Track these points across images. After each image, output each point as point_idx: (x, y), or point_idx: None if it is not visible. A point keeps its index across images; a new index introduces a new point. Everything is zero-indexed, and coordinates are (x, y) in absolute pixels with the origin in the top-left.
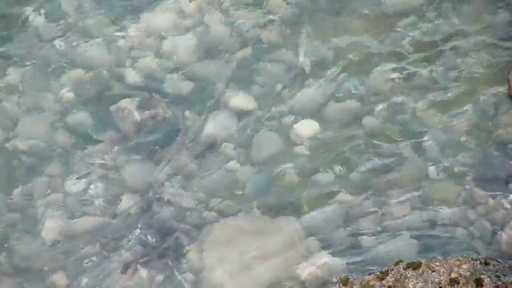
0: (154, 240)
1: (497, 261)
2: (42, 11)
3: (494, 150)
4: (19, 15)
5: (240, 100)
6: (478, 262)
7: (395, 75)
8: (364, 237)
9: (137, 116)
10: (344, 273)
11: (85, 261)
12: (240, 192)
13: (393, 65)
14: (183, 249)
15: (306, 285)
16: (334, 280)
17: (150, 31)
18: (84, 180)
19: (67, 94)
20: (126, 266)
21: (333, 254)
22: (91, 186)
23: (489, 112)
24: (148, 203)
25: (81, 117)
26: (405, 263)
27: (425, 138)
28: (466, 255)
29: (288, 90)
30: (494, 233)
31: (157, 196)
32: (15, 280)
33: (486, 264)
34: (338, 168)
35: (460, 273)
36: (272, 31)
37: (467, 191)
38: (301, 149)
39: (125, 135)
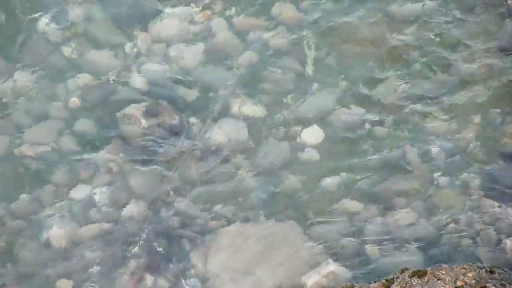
0: (159, 247)
1: (503, 269)
2: (50, 17)
3: (500, 159)
4: (27, 21)
5: (247, 107)
6: (484, 270)
7: (401, 82)
8: (369, 244)
9: (143, 122)
10: (349, 281)
11: (91, 268)
12: (246, 200)
13: (400, 73)
14: (188, 256)
15: None
16: None
17: (157, 38)
18: (90, 186)
19: (74, 100)
20: (131, 273)
21: (339, 262)
22: (97, 193)
23: (495, 121)
24: (154, 210)
25: (87, 123)
26: (410, 271)
27: (432, 146)
28: (471, 264)
29: (295, 97)
30: (499, 241)
31: (163, 203)
32: (20, 286)
33: (492, 272)
34: (344, 176)
35: (466, 282)
36: (278, 38)
37: (473, 200)
38: (307, 156)
39: (131, 142)
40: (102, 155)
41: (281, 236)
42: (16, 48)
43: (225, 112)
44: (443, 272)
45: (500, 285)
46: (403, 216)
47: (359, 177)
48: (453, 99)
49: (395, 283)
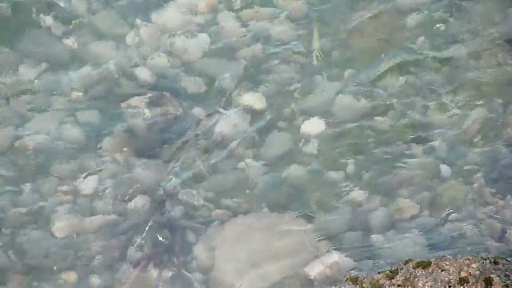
0: (164, 238)
1: (507, 260)
2: (53, 9)
3: (503, 150)
4: (30, 13)
5: (251, 98)
6: (488, 261)
7: (405, 73)
8: (373, 236)
9: (147, 113)
10: (353, 272)
11: (95, 259)
12: (250, 191)
13: (404, 64)
14: (193, 247)
15: (315, 283)
16: (344, 279)
17: (161, 29)
18: (94, 178)
19: (77, 92)
20: (135, 264)
21: (343, 253)
22: (101, 184)
23: (498, 112)
24: (158, 202)
25: (91, 115)
26: (414, 262)
27: (435, 137)
28: (475, 254)
29: (299, 89)
30: (503, 232)
31: (167, 194)
32: (25, 278)
33: (496, 263)
34: (347, 167)
35: (470, 272)
36: (283, 29)
37: (476, 190)
38: (311, 148)
39: (135, 133)
40: (106, 147)
41: (285, 227)
42: (19, 40)
43: (228, 103)
44: (447, 263)
45: (504, 276)
46: (406, 206)
47: (362, 168)
48: (456, 90)
49: (399, 274)
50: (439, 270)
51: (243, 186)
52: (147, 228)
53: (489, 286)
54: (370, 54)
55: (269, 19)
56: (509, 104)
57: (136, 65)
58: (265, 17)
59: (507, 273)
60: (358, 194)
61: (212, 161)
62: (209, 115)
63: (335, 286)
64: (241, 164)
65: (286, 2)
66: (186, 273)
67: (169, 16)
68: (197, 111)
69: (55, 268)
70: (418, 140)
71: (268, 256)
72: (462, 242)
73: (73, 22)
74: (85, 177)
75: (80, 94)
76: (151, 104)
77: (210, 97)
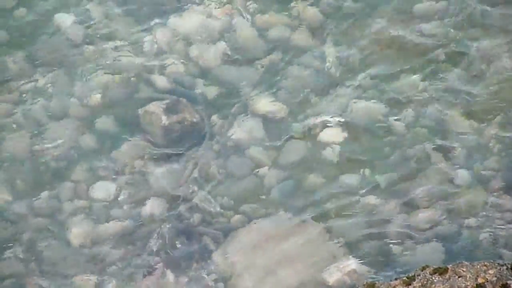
0: (180, 244)
1: None
2: (71, 15)
3: None
4: (48, 19)
5: (267, 104)
6: (505, 267)
7: (422, 78)
8: (390, 242)
9: (164, 120)
10: (370, 279)
11: (112, 265)
12: (266, 197)
13: (421, 69)
14: (210, 253)
15: None
16: (361, 285)
17: (178, 35)
18: (110, 184)
19: (94, 98)
20: (152, 270)
21: (360, 259)
22: (118, 191)
23: None
24: (175, 208)
25: (108, 121)
26: (431, 268)
27: (453, 143)
28: (492, 261)
29: (315, 95)
30: None
31: (183, 200)
32: (42, 284)
33: None
34: (364, 173)
35: (487, 279)
36: (299, 35)
37: (493, 197)
38: (328, 153)
39: (152, 139)
40: (122, 153)
41: (302, 234)
42: (37, 46)
43: (245, 109)
44: (464, 269)
45: None
46: (423, 212)
47: (379, 174)
48: (474, 95)
49: (416, 280)
50: (456, 276)
51: (259, 192)
52: (163, 234)
53: None
54: (387, 59)
55: (284, 26)
56: None
57: (153, 71)
58: (281, 23)
59: None
60: (375, 201)
61: (229, 167)
62: (225, 121)
63: None
64: (258, 170)
65: (302, 8)
66: (203, 279)
67: (186, 22)
68: (214, 117)
69: (71, 274)
70: (436, 146)
71: (285, 262)
72: (479, 248)
73: (90, 27)
74: (101, 184)
75: (98, 99)
76: (168, 110)
77: (227, 103)
